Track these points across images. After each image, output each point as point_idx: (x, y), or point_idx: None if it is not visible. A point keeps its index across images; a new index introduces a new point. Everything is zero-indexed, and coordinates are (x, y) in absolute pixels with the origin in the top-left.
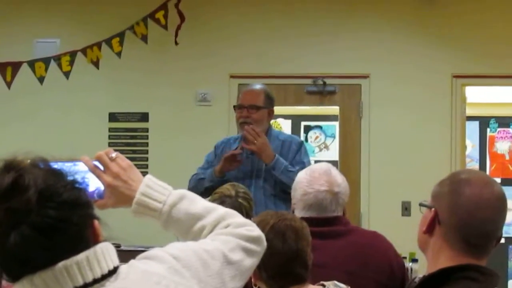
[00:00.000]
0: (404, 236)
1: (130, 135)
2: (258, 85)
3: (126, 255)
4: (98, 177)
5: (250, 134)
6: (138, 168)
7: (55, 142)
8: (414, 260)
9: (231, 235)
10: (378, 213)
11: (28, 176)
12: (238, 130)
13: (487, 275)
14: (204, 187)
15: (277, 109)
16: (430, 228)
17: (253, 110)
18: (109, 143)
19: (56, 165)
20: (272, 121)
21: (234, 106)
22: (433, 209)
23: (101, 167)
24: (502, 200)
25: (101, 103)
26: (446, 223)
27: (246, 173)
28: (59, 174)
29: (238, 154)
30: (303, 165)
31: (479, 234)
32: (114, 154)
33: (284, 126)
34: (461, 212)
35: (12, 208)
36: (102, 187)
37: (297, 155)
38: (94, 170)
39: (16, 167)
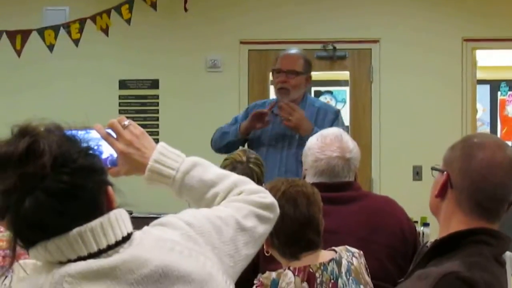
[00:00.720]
0: (415, 200)
1: (140, 102)
2: (296, 50)
3: (138, 222)
4: (111, 144)
5: (285, 110)
6: (149, 135)
7: (65, 110)
8: (426, 225)
9: (244, 202)
10: (390, 178)
11: (43, 141)
12: (275, 94)
13: (499, 238)
14: (227, 141)
15: None
16: (442, 192)
17: (292, 75)
18: (119, 110)
19: (69, 132)
20: None
21: (272, 70)
22: (445, 173)
23: (114, 135)
24: None
25: (111, 71)
26: (458, 187)
27: (278, 138)
28: (73, 141)
29: (266, 114)
30: None
31: (491, 198)
32: (126, 122)
33: None
34: (474, 176)
35: (26, 173)
36: (115, 155)
37: (333, 124)
38: (107, 137)
39: (31, 133)
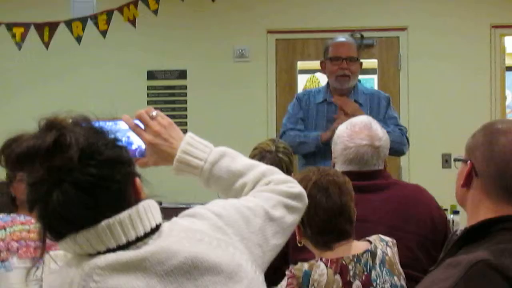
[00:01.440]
0: (445, 188)
1: (168, 93)
2: (346, 37)
3: (168, 213)
4: (139, 135)
5: (340, 104)
6: (177, 126)
7: (94, 101)
8: (456, 212)
9: (273, 192)
10: (419, 166)
11: (69, 134)
12: (333, 82)
13: None
14: (307, 151)
15: (316, 63)
16: (467, 181)
17: (352, 62)
18: (147, 101)
19: (97, 124)
20: (310, 76)
21: (329, 59)
22: (469, 161)
23: (142, 126)
24: None
25: (139, 61)
26: (484, 174)
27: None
28: (100, 133)
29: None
30: (396, 120)
31: None
32: (154, 113)
33: (322, 80)
34: (498, 161)
35: (54, 166)
36: (143, 146)
37: (388, 110)
38: (135, 128)
39: (58, 126)
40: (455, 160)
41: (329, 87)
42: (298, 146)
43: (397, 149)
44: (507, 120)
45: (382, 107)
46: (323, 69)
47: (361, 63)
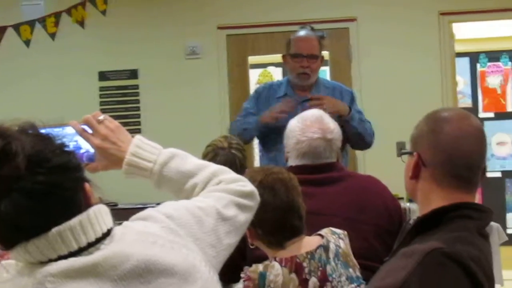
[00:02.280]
0: (401, 176)
1: (121, 93)
2: (308, 31)
3: (124, 214)
4: (87, 140)
5: (314, 102)
6: (131, 125)
7: (45, 105)
8: (412, 200)
9: (224, 191)
10: (374, 156)
11: (15, 143)
12: (294, 78)
13: (481, 211)
14: (250, 136)
15: (267, 58)
16: (416, 172)
17: (313, 59)
18: (100, 102)
19: (44, 130)
20: (262, 70)
21: (290, 55)
22: (415, 153)
23: (90, 130)
24: (481, 131)
25: (90, 63)
26: (431, 163)
27: None
28: (47, 139)
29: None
30: (362, 115)
31: (465, 166)
32: (101, 117)
33: (275, 74)
34: (445, 148)
35: (1, 176)
36: (91, 150)
37: (354, 105)
38: (82, 133)
39: (3, 134)
40: (400, 154)
41: (290, 81)
42: (243, 133)
43: (368, 142)
44: (449, 108)
45: (345, 101)
46: (285, 63)
47: (322, 58)
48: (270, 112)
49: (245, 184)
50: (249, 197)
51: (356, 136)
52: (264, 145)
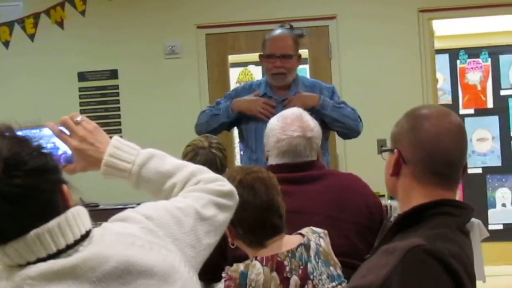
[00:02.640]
0: (382, 174)
1: (100, 93)
2: (283, 31)
3: (104, 215)
4: (65, 141)
5: (267, 112)
6: (111, 126)
7: (25, 106)
8: (393, 198)
9: (203, 191)
10: (355, 153)
11: None
12: (269, 79)
13: (461, 208)
14: (218, 123)
15: (247, 56)
16: (396, 169)
17: (286, 59)
18: (80, 102)
19: (21, 132)
20: (243, 69)
21: (261, 55)
22: (395, 150)
23: (67, 132)
24: (462, 127)
25: (70, 64)
26: (412, 160)
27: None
28: (24, 141)
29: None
30: (345, 104)
31: (445, 163)
32: (79, 118)
33: (255, 73)
34: (425, 145)
35: None
36: (69, 152)
37: (334, 97)
38: (60, 135)
39: None
40: (381, 151)
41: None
42: (211, 120)
43: (352, 126)
44: (429, 105)
45: (325, 97)
46: (262, 63)
47: (299, 57)
48: (248, 103)
49: (224, 184)
50: (228, 196)
51: (335, 123)
52: (245, 145)
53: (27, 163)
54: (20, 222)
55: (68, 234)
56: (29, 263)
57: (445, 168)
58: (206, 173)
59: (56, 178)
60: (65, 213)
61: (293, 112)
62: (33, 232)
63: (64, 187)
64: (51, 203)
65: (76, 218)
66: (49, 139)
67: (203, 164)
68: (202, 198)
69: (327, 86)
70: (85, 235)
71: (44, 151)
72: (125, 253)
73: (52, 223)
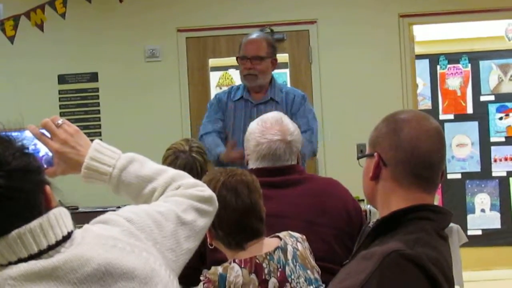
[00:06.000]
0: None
1: (80, 96)
2: (259, 34)
3: (84, 217)
4: (46, 144)
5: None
6: (91, 129)
7: (4, 109)
8: None
9: (183, 196)
10: (334, 158)
11: None
12: (242, 80)
13: (439, 213)
14: (213, 158)
15: (227, 61)
16: (376, 173)
17: (257, 61)
18: (60, 105)
19: (3, 134)
20: (223, 73)
21: (237, 58)
22: (375, 153)
23: (48, 135)
24: (440, 131)
25: (49, 66)
26: (392, 162)
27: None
28: (7, 142)
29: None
30: (307, 119)
31: (426, 165)
32: (60, 121)
33: (235, 77)
34: (405, 147)
35: None
36: (50, 154)
37: (301, 108)
38: (41, 137)
39: None
40: (359, 158)
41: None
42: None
43: (310, 155)
44: (407, 110)
45: (296, 104)
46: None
47: (274, 60)
48: (226, 158)
49: (204, 189)
50: (208, 202)
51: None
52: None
53: (10, 163)
54: (2, 222)
55: (50, 235)
56: (10, 263)
57: (425, 170)
58: (187, 178)
59: (39, 179)
60: (47, 213)
61: (273, 116)
62: (14, 232)
63: (47, 188)
64: (33, 203)
65: (58, 219)
66: (31, 142)
67: (183, 167)
68: (183, 203)
69: (299, 93)
70: (67, 237)
71: (27, 151)
72: (106, 255)
73: (34, 223)
